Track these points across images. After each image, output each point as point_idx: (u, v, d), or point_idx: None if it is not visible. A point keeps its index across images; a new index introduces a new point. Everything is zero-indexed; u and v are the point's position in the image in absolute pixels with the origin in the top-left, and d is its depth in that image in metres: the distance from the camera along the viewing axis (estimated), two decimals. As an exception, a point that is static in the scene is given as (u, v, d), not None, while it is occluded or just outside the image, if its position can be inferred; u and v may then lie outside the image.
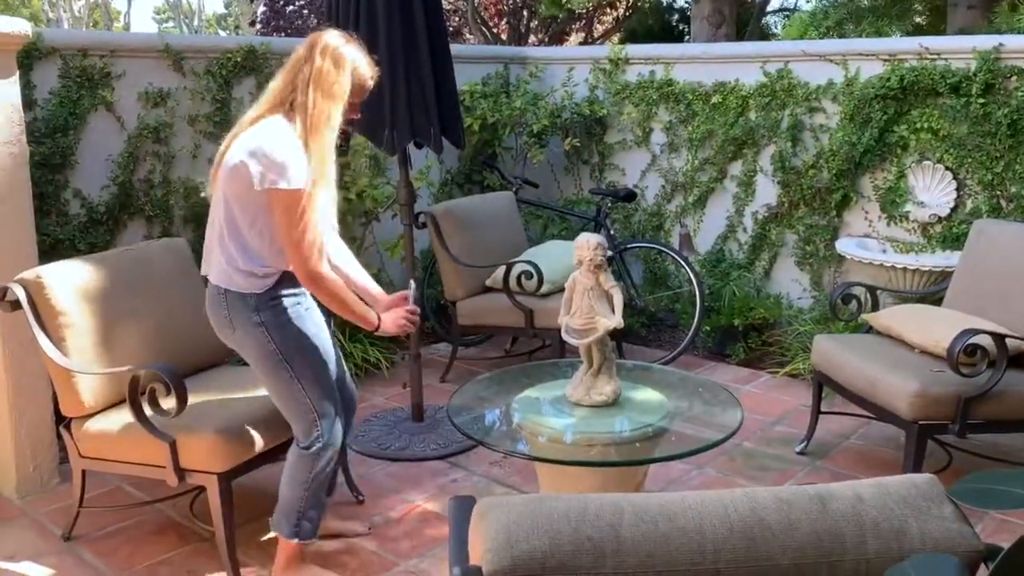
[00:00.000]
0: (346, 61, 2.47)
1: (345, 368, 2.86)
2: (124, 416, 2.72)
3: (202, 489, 2.82)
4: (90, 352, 2.84)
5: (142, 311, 3.01)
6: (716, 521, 1.12)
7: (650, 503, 1.15)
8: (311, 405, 2.57)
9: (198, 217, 4.43)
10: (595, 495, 1.17)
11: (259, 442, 2.76)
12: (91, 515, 3.08)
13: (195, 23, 25.55)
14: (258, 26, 11.85)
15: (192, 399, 2.68)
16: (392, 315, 2.69)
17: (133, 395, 2.63)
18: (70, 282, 2.85)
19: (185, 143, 4.40)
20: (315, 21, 11.11)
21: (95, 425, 2.82)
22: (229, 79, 4.50)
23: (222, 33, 23.05)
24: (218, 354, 3.30)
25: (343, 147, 3.63)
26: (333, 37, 2.50)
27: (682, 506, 1.14)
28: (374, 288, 2.82)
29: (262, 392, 2.93)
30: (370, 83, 2.57)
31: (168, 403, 2.62)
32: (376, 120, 3.39)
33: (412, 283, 2.91)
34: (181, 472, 2.68)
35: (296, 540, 2.65)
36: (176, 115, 4.35)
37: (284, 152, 2.36)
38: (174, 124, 4.35)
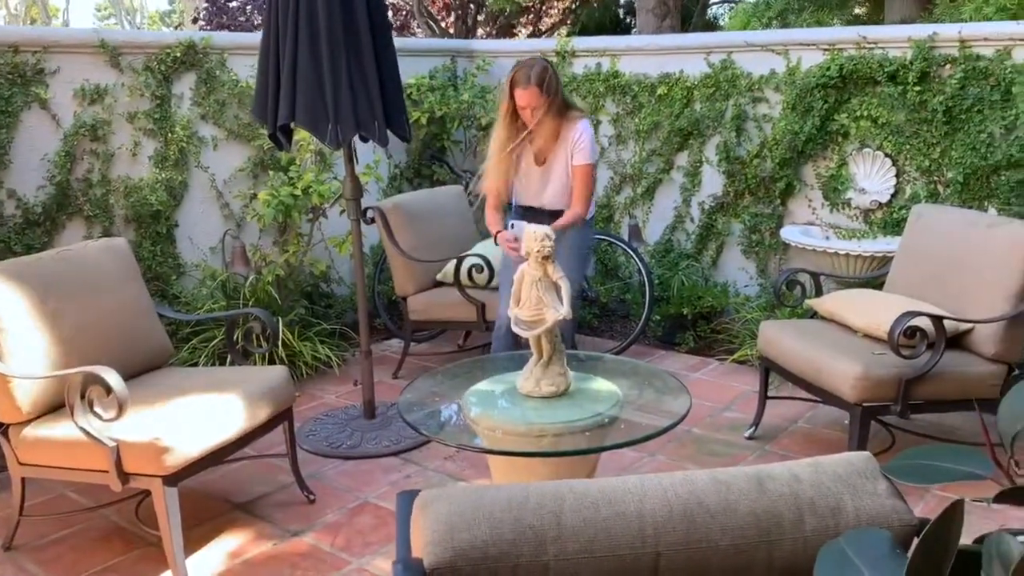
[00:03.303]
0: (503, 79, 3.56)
1: None
2: (64, 421, 2.65)
3: (147, 493, 2.76)
4: (27, 356, 2.76)
5: (81, 313, 2.93)
6: (656, 504, 1.13)
7: (591, 489, 1.15)
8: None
9: (140, 217, 4.35)
10: (537, 483, 1.16)
11: (204, 444, 2.71)
12: (32, 523, 3.01)
13: (137, 20, 24.98)
14: (200, 23, 11.63)
15: (135, 402, 2.63)
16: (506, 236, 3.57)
17: (72, 399, 2.57)
18: (5, 285, 2.77)
19: (124, 141, 4.31)
20: (258, 18, 10.94)
21: (34, 431, 2.74)
22: (169, 75, 4.41)
23: (165, 30, 22.60)
24: (161, 356, 3.24)
25: (284, 143, 3.58)
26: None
27: (623, 490, 1.15)
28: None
29: (207, 394, 2.89)
30: (515, 92, 3.45)
31: (109, 407, 2.56)
32: (319, 114, 3.35)
33: (514, 224, 3.59)
34: (125, 476, 2.62)
35: None
36: (114, 112, 4.25)
37: None
38: (112, 121, 4.25)
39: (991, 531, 0.94)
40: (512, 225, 3.55)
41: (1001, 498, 0.98)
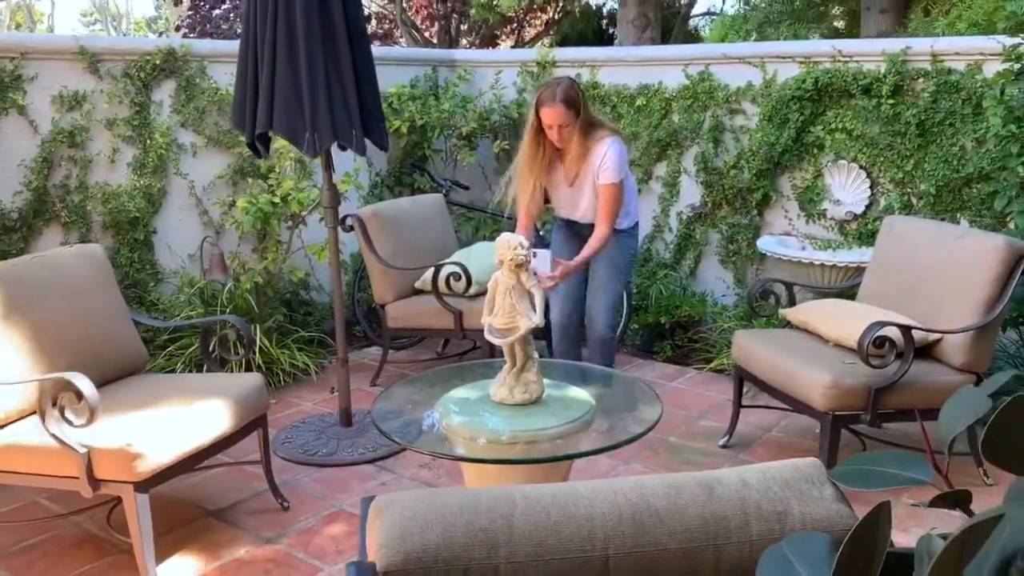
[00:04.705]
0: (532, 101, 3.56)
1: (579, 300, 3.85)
2: (35, 428, 2.65)
3: (119, 500, 2.76)
4: (-2, 362, 2.76)
5: (53, 319, 2.93)
6: (606, 508, 1.15)
7: (543, 493, 1.17)
8: None
9: (118, 223, 4.35)
10: (490, 488, 1.18)
11: (176, 450, 2.71)
12: (3, 530, 3.00)
13: (123, 26, 24.93)
14: (183, 30, 11.63)
15: (107, 408, 2.63)
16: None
17: (44, 405, 2.57)
18: (-24, 291, 2.76)
19: (103, 147, 4.31)
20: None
21: (4, 438, 2.73)
22: (148, 82, 4.42)
23: (151, 36, 22.58)
24: (136, 363, 3.24)
25: (262, 151, 3.58)
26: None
27: (574, 495, 1.17)
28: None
29: (180, 400, 2.89)
30: (541, 111, 3.47)
31: (81, 413, 2.56)
32: (297, 123, 3.36)
33: (536, 252, 3.37)
34: (96, 483, 2.61)
35: None
36: (93, 119, 4.26)
37: None
38: (91, 128, 4.25)
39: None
40: (535, 254, 3.51)
41: (936, 502, 1.01)
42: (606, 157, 3.51)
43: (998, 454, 0.98)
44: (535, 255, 3.41)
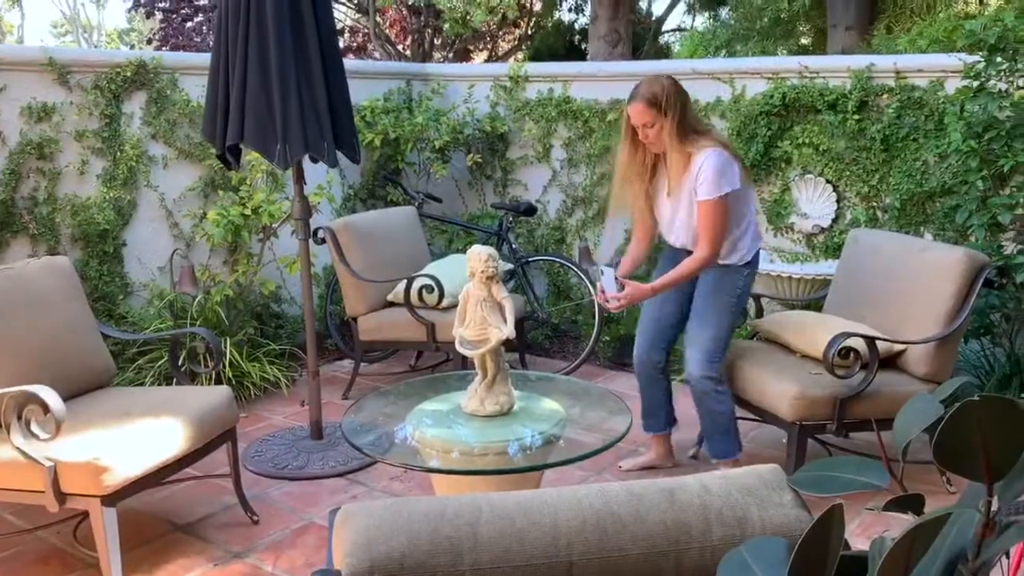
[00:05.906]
0: None
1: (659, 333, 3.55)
2: None
3: (86, 514, 2.73)
4: (-37, 376, 2.72)
5: (20, 332, 2.90)
6: (570, 515, 1.16)
7: (508, 501, 1.19)
8: None
9: (87, 236, 4.31)
10: (456, 496, 1.20)
11: (143, 464, 2.69)
12: (-34, 547, 2.95)
13: (95, 38, 24.75)
14: (155, 42, 11.57)
15: (73, 421, 2.61)
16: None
17: (8, 419, 2.54)
18: (-60, 303, 2.73)
19: (72, 159, 4.28)
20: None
21: (-32, 452, 2.70)
22: (119, 94, 4.40)
23: (124, 48, 22.44)
24: (104, 376, 3.22)
25: (233, 163, 3.58)
26: None
27: (539, 502, 1.18)
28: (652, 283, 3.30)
29: (148, 414, 2.87)
30: (627, 107, 3.16)
31: (46, 426, 2.53)
32: (268, 135, 3.37)
33: (603, 270, 3.23)
34: (62, 497, 2.59)
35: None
36: (62, 131, 4.22)
37: None
38: (60, 140, 4.22)
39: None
40: (601, 271, 3.21)
41: (889, 506, 1.04)
42: (702, 170, 3.08)
43: (948, 459, 1.01)
44: (601, 272, 3.20)
